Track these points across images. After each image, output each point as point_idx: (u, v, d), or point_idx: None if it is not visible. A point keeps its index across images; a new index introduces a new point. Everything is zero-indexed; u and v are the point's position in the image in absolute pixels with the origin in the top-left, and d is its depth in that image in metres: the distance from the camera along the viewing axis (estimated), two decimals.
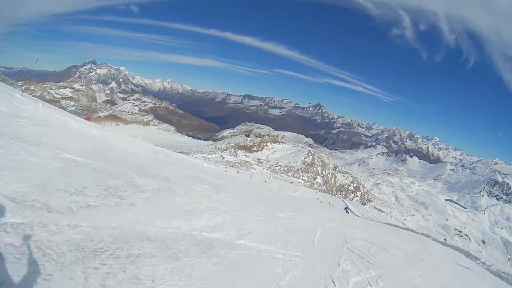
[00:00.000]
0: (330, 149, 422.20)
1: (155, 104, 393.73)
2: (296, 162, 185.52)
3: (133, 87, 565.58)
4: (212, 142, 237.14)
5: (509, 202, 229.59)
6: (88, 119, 30.38)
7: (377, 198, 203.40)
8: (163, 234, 5.29)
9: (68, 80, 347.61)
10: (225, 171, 53.07)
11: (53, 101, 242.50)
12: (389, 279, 7.95)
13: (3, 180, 4.62)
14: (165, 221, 5.85)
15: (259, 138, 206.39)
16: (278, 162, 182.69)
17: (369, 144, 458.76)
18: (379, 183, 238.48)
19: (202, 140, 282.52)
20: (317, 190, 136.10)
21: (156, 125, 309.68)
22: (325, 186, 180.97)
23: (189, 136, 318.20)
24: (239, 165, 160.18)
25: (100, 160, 8.01)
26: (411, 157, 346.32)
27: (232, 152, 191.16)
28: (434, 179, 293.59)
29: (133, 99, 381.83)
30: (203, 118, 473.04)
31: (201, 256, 5.13)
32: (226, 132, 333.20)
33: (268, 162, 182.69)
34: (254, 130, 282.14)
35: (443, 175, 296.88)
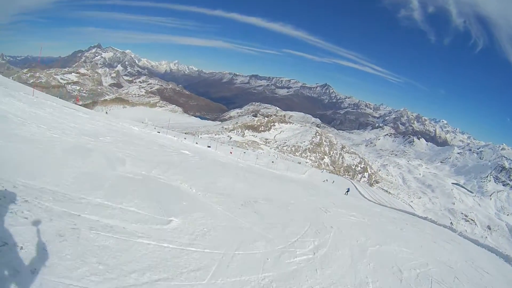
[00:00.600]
0: (337, 129, 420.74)
1: (161, 85, 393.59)
2: (304, 142, 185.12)
3: (139, 70, 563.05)
4: (219, 123, 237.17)
5: None
6: (77, 101, 34.25)
7: (384, 180, 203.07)
8: None
9: (74, 65, 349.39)
10: (231, 152, 52.26)
11: (59, 86, 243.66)
12: None
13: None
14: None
15: (266, 118, 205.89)
16: (285, 142, 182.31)
17: (377, 125, 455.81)
18: (387, 164, 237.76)
19: (210, 121, 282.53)
20: (323, 169, 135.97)
21: (163, 106, 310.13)
22: (333, 166, 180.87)
23: (196, 117, 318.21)
24: (246, 145, 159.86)
25: None
26: (419, 139, 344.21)
27: (240, 132, 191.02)
28: (441, 162, 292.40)
29: (140, 82, 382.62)
30: (210, 98, 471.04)
31: None
32: (233, 112, 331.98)
33: (276, 142, 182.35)
34: (261, 110, 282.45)
35: (450, 158, 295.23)
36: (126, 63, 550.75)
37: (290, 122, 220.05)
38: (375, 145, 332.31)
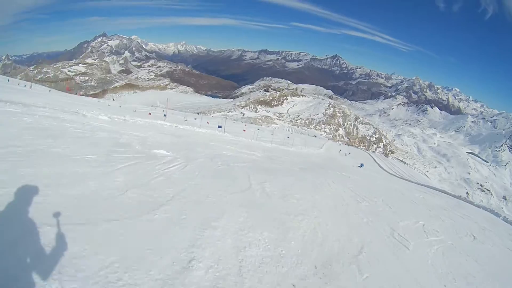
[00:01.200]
0: (350, 100, 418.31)
1: (170, 67, 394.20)
2: (317, 114, 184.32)
3: (147, 54, 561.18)
4: (231, 100, 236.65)
5: None
6: (67, 89, 34.24)
7: (399, 150, 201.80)
8: None
9: (81, 57, 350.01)
10: (244, 130, 50.08)
11: (67, 79, 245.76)
12: None
13: None
14: None
15: (278, 92, 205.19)
16: (299, 116, 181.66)
17: (389, 94, 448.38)
18: (401, 134, 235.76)
19: (221, 99, 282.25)
20: (339, 142, 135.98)
21: (174, 88, 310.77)
22: (348, 137, 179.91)
23: (207, 95, 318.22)
24: (259, 121, 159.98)
25: None
26: (432, 108, 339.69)
27: (252, 108, 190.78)
28: (455, 130, 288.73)
29: (148, 66, 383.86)
30: (220, 76, 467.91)
31: None
32: (244, 89, 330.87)
33: (289, 116, 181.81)
34: (272, 85, 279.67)
35: (464, 127, 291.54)
36: (133, 48, 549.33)
37: (303, 95, 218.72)
38: (389, 114, 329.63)
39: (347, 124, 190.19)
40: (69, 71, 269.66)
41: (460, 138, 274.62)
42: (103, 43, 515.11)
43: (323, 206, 9.53)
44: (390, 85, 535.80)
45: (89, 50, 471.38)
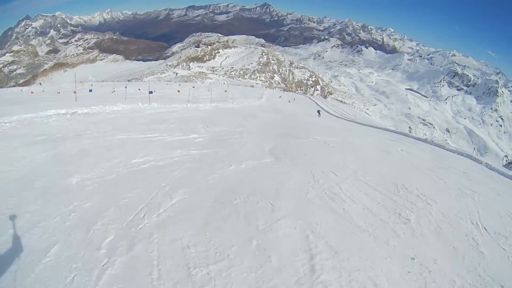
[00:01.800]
0: (283, 47, 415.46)
1: (98, 38, 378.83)
2: (251, 63, 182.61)
3: (73, 29, 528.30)
4: (163, 61, 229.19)
5: (470, 93, 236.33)
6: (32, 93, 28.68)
7: (337, 90, 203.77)
8: None
9: (6, 46, 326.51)
10: (178, 91, 43.27)
11: None
12: None
13: None
14: None
15: (209, 47, 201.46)
16: (233, 67, 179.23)
17: (322, 37, 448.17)
18: (337, 75, 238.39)
19: (153, 61, 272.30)
20: (276, 88, 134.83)
21: (104, 58, 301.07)
22: (284, 83, 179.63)
23: (138, 60, 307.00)
24: (194, 78, 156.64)
25: None
26: (367, 48, 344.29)
27: (185, 66, 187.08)
28: (392, 68, 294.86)
29: (75, 40, 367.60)
30: (149, 39, 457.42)
31: None
32: (175, 48, 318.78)
33: (223, 68, 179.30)
34: (203, 40, 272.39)
35: (401, 65, 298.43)
36: (59, 25, 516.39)
37: (234, 46, 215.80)
38: (323, 57, 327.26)
39: (282, 70, 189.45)
40: None
41: (397, 75, 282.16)
42: (27, 26, 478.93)
43: None
44: (322, 28, 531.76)
45: (14, 37, 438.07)
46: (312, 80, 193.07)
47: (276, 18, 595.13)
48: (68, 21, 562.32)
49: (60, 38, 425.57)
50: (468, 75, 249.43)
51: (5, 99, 22.30)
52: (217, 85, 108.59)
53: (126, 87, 46.32)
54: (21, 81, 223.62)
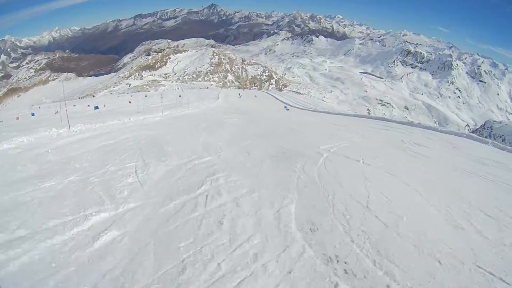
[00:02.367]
0: (233, 45, 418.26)
1: (48, 57, 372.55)
2: (203, 65, 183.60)
3: (23, 51, 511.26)
4: (115, 73, 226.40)
5: (425, 69, 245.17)
6: None
7: (292, 82, 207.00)
8: None
9: None
10: (130, 102, 40.92)
11: None
12: None
13: None
14: None
15: (160, 53, 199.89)
16: (185, 71, 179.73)
17: (272, 32, 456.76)
18: (290, 67, 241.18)
19: (105, 75, 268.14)
20: (231, 87, 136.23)
21: (56, 78, 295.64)
22: (238, 81, 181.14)
23: (91, 76, 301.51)
24: (147, 87, 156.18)
25: None
26: (317, 37, 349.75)
27: (137, 76, 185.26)
28: (344, 54, 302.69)
29: (26, 63, 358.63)
30: (100, 53, 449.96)
31: None
32: (126, 59, 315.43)
33: (176, 74, 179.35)
34: (153, 47, 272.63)
35: (353, 49, 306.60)
36: (9, 50, 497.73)
37: (185, 50, 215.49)
38: (275, 51, 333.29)
39: (234, 68, 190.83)
40: None
41: (350, 60, 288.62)
42: None
43: None
44: (271, 23, 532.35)
45: None
46: (265, 75, 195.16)
47: (224, 18, 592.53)
48: (18, 43, 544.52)
49: (12, 62, 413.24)
50: (421, 52, 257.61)
51: None
52: (171, 91, 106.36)
53: (74, 105, 46.46)
54: None
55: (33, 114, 31.16)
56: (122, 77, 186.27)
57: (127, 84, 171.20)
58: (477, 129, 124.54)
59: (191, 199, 6.11)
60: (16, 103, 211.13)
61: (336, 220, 5.22)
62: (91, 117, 18.99)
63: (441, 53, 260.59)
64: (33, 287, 3.62)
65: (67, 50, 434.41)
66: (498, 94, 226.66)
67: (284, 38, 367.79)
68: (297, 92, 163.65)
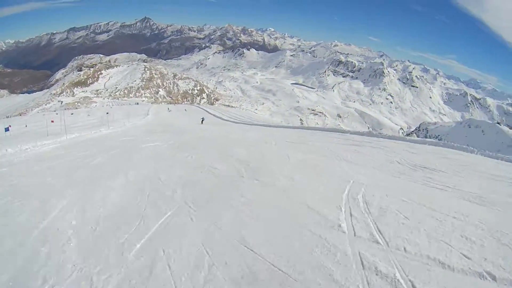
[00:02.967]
0: (165, 59, 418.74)
1: None
2: (135, 81, 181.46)
3: None
4: (48, 90, 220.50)
5: (356, 78, 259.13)
6: None
7: (223, 96, 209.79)
8: None
9: None
10: (52, 121, 29.67)
11: None
12: None
13: None
14: None
15: (91, 69, 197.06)
16: (117, 87, 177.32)
17: (204, 45, 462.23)
18: (221, 81, 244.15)
19: (38, 92, 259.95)
20: (162, 103, 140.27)
21: None
22: (170, 96, 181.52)
23: (23, 93, 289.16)
24: (78, 104, 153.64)
25: None
26: (249, 50, 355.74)
27: (69, 92, 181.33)
28: (276, 66, 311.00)
29: None
30: (33, 68, 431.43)
31: None
32: (58, 74, 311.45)
33: (107, 90, 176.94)
34: (85, 63, 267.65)
35: (284, 61, 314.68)
36: None
37: (117, 65, 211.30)
38: (206, 65, 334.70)
39: (166, 83, 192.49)
40: None
41: (281, 72, 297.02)
42: None
43: None
44: (203, 36, 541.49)
45: None
46: (197, 89, 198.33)
47: (156, 32, 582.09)
48: None
49: None
50: (352, 62, 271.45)
51: None
52: (100, 107, 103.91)
53: None
54: None
55: None
56: (54, 94, 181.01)
57: (59, 101, 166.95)
58: (412, 131, 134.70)
59: None
60: None
61: None
62: None
63: (372, 61, 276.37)
64: None
65: (1, 65, 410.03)
66: (430, 97, 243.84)
67: (216, 52, 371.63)
68: (229, 106, 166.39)
